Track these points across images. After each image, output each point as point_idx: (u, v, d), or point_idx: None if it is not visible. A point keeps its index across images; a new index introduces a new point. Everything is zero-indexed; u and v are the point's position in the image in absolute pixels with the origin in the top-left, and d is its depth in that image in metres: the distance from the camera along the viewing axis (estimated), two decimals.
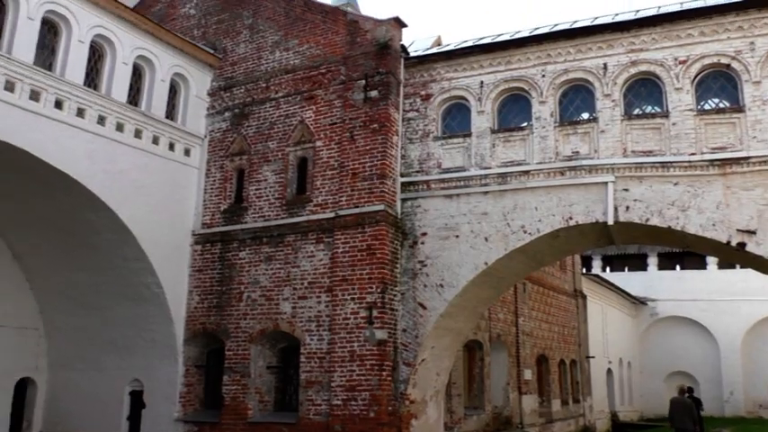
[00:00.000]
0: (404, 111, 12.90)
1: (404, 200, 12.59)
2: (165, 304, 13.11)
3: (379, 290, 11.60)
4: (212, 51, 14.64)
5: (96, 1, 11.92)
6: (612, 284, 32.19)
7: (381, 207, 11.94)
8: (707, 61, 10.86)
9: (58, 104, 11.31)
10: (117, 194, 12.11)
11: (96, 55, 12.21)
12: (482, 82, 12.39)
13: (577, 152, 11.38)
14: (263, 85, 13.96)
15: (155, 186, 12.97)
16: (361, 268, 11.79)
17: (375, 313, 11.52)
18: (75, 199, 11.95)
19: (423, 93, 12.92)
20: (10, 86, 10.56)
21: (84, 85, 11.79)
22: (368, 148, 12.28)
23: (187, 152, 13.98)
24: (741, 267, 27.58)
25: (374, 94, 12.45)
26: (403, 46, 13.19)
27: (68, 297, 13.88)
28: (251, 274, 13.08)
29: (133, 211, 12.38)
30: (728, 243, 10.22)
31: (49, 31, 11.45)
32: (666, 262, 37.27)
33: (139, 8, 15.08)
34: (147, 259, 12.63)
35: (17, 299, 14.06)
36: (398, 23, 12.89)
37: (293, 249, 12.67)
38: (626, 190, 10.90)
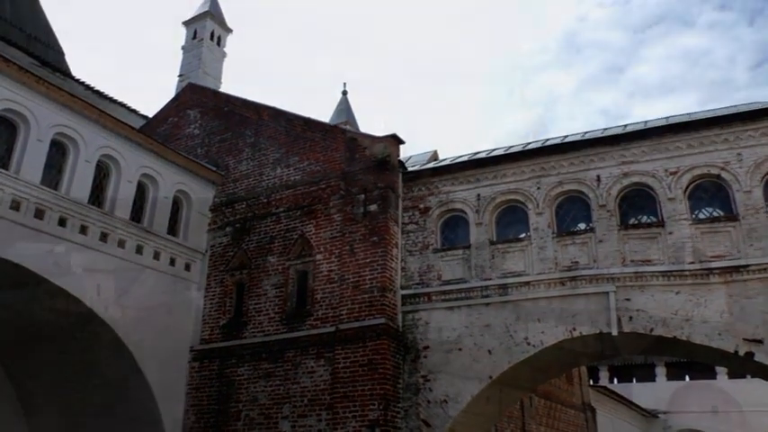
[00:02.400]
0: (403, 224, 13.06)
1: (405, 312, 12.48)
2: (161, 425, 12.65)
3: (381, 407, 11.24)
4: (215, 169, 15.03)
5: (105, 123, 12.40)
6: (622, 397, 31.22)
7: (382, 320, 11.81)
8: (697, 172, 11.12)
9: (62, 222, 11.47)
10: (114, 310, 12.02)
11: (102, 173, 12.52)
12: (479, 195, 12.63)
13: (576, 262, 11.41)
14: (264, 200, 14.21)
15: (154, 301, 12.89)
16: (362, 384, 11.49)
17: None
18: (72, 314, 11.83)
19: (421, 206, 13.14)
20: (15, 205, 10.76)
21: (89, 202, 12.01)
22: (368, 260, 12.33)
23: (188, 267, 14.01)
24: (752, 377, 26.90)
25: (373, 207, 12.65)
26: (401, 161, 13.56)
27: (61, 415, 13.42)
28: (249, 391, 12.72)
29: (131, 326, 12.23)
30: (736, 353, 10.02)
31: (57, 151, 11.80)
32: (675, 371, 36.33)
33: (146, 128, 15.65)
34: (144, 376, 12.33)
35: (7, 419, 13.58)
36: (396, 140, 13.31)
37: (293, 365, 12.40)
38: (628, 299, 10.84)
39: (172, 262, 13.62)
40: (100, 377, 12.64)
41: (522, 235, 12.16)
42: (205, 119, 16.30)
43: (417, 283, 12.59)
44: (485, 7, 76.09)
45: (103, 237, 12.18)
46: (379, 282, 12.10)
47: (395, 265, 12.53)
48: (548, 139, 13.33)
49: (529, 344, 11.27)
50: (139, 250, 12.86)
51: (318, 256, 13.00)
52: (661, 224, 11.05)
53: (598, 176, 11.73)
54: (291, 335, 12.68)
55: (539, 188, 12.13)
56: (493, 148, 14.05)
